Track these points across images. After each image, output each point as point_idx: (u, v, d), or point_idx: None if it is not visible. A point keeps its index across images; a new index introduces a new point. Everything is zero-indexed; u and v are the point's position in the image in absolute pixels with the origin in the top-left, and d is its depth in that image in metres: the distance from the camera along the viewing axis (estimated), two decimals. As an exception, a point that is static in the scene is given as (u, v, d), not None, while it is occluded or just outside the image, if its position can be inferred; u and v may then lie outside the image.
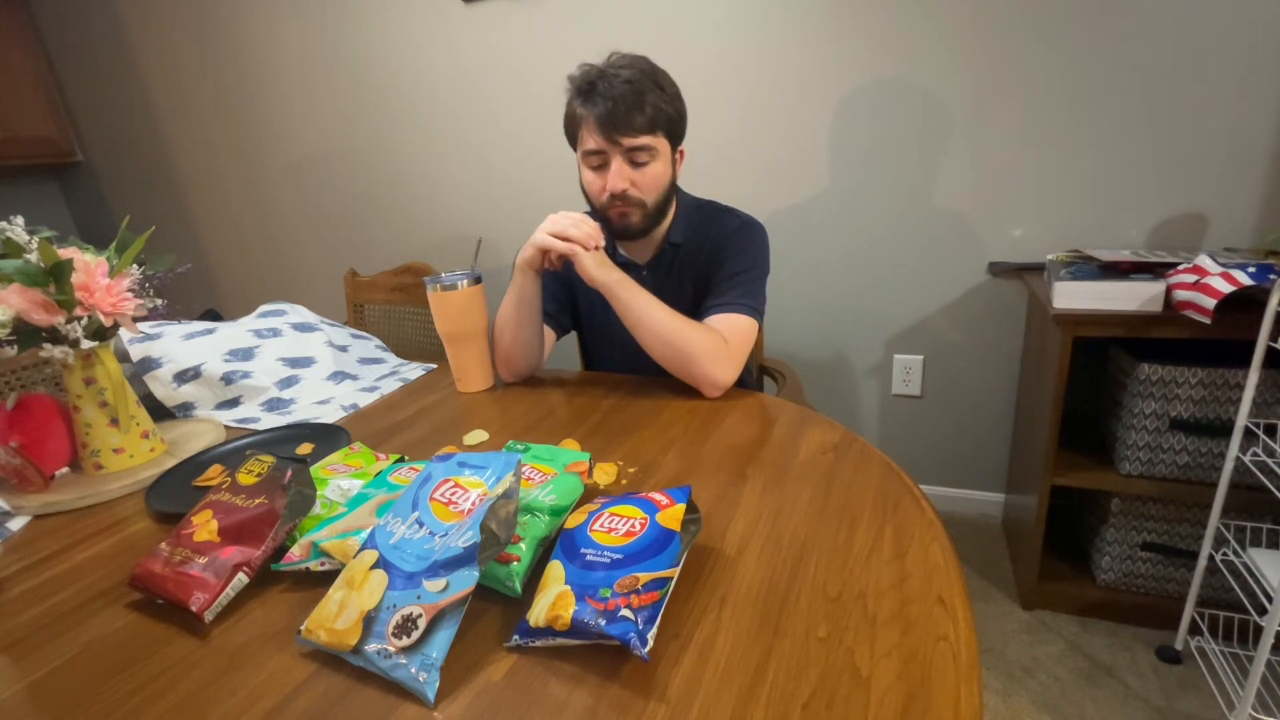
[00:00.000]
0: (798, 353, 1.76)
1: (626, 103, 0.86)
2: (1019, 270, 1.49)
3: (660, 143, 0.92)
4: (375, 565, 0.47)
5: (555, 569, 0.48)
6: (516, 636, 0.45)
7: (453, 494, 0.52)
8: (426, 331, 1.61)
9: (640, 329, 0.90)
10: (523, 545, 0.52)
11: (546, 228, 0.91)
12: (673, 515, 0.51)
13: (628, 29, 1.64)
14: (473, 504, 0.51)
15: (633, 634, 0.41)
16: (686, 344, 0.88)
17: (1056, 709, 1.15)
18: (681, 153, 0.99)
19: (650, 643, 0.41)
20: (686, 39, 1.59)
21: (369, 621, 0.44)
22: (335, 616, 0.45)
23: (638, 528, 0.50)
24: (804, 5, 1.49)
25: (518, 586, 0.50)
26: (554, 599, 0.45)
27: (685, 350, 0.88)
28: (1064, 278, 1.18)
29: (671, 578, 0.46)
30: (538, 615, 0.44)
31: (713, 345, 0.88)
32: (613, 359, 1.14)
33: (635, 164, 0.91)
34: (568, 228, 0.89)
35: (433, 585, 0.45)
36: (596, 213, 0.99)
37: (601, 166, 0.93)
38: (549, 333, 1.07)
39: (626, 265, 1.06)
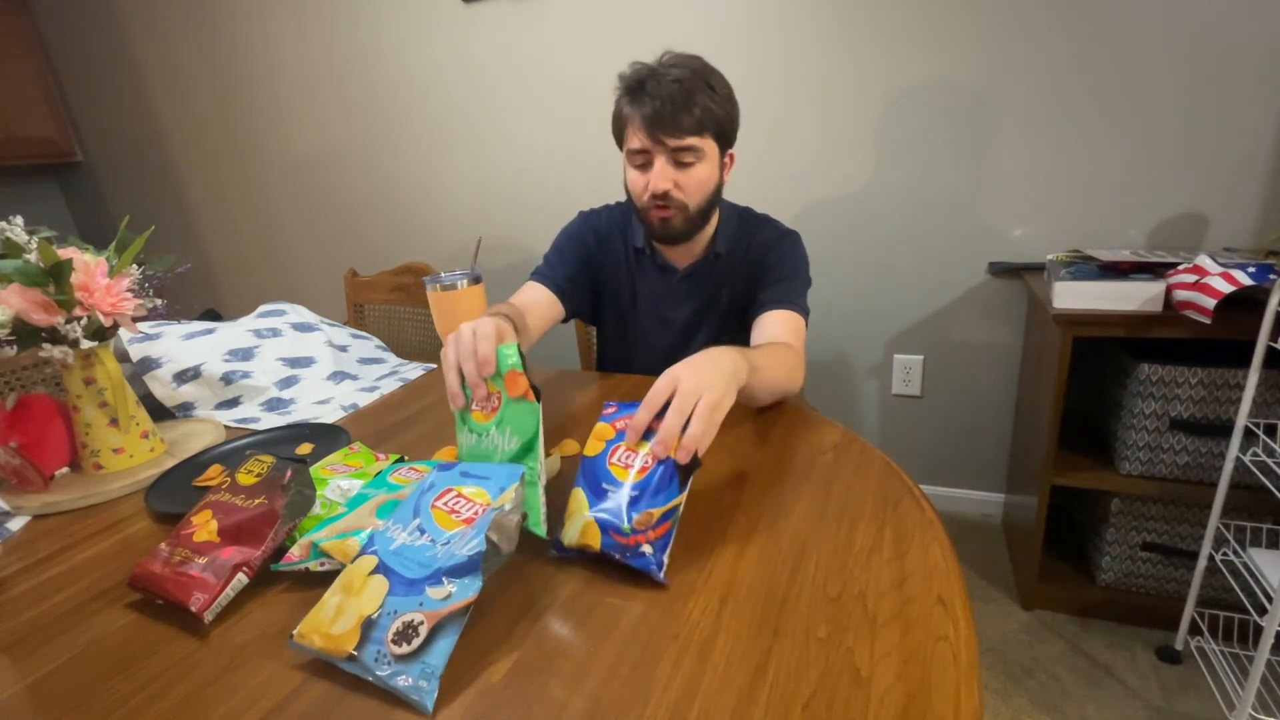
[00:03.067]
0: (798, 353, 1.76)
1: (674, 102, 0.84)
2: (1019, 270, 1.49)
3: (708, 144, 0.89)
4: (375, 571, 0.47)
5: (579, 497, 0.55)
6: (554, 551, 0.55)
7: (455, 503, 0.52)
8: (426, 331, 1.61)
9: (771, 394, 0.80)
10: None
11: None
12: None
13: (628, 29, 1.64)
14: (475, 513, 0.51)
15: (653, 565, 0.51)
16: (791, 385, 0.83)
17: (1056, 709, 1.15)
18: (731, 156, 0.96)
19: (665, 566, 0.51)
20: (689, 41, 1.58)
21: (368, 627, 0.44)
22: (332, 621, 0.45)
23: (650, 462, 0.55)
24: (803, 8, 1.49)
25: (542, 531, 0.54)
26: (582, 528, 0.52)
27: (790, 390, 0.83)
28: (1064, 278, 1.18)
29: (679, 506, 0.54)
30: (571, 537, 0.52)
31: (799, 365, 0.85)
32: (632, 359, 1.13)
33: (680, 165, 0.89)
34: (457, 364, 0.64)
35: (436, 592, 0.44)
36: (637, 213, 0.97)
37: (645, 165, 0.90)
38: (555, 303, 1.01)
39: (665, 269, 1.05)
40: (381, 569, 0.47)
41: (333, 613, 0.45)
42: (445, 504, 0.52)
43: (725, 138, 0.92)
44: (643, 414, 0.57)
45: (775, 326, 0.93)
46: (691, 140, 0.87)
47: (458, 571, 0.45)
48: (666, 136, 0.86)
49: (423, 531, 0.50)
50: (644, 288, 1.07)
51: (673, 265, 1.05)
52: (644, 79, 0.87)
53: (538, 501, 0.56)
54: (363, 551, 0.50)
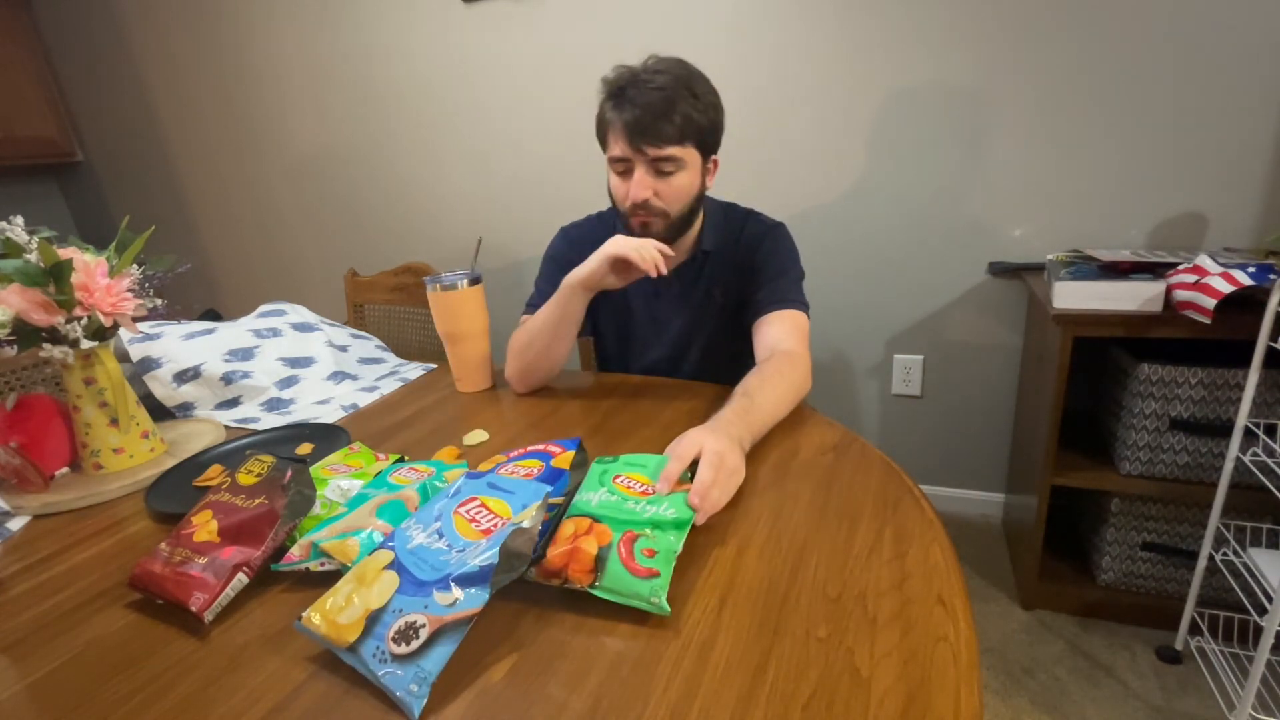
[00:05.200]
0: (798, 353, 1.76)
1: (655, 111, 0.83)
2: (1019, 270, 1.49)
3: (689, 153, 0.88)
4: (389, 566, 0.47)
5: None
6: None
7: (478, 513, 0.53)
8: (426, 331, 1.61)
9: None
10: (658, 559, 0.49)
11: (613, 250, 0.86)
12: (564, 459, 0.61)
13: (629, 29, 1.63)
14: (494, 525, 0.51)
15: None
16: (799, 397, 0.83)
17: (1056, 709, 1.15)
18: (715, 162, 0.96)
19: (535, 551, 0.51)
20: (688, 40, 1.59)
21: (372, 621, 0.44)
22: (340, 609, 0.45)
23: (535, 471, 0.60)
24: (806, 8, 1.49)
25: (664, 604, 0.47)
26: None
27: (800, 399, 0.84)
28: (1064, 278, 1.18)
29: (560, 504, 0.56)
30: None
31: (805, 374, 0.85)
32: (630, 366, 1.12)
33: (660, 173, 0.88)
34: (632, 251, 0.84)
35: (442, 598, 0.44)
36: (620, 217, 0.96)
37: (626, 173, 0.90)
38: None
39: None
40: (395, 565, 0.47)
41: (342, 601, 0.45)
42: (467, 512, 0.53)
43: (708, 145, 0.91)
44: (674, 466, 0.60)
45: (776, 329, 0.92)
46: (672, 150, 0.86)
47: (467, 581, 0.45)
48: (647, 145, 0.85)
49: (441, 535, 0.50)
50: (635, 291, 1.06)
51: None
52: (626, 85, 0.86)
53: (669, 576, 0.49)
54: (381, 545, 0.50)
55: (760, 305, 0.95)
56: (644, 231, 0.93)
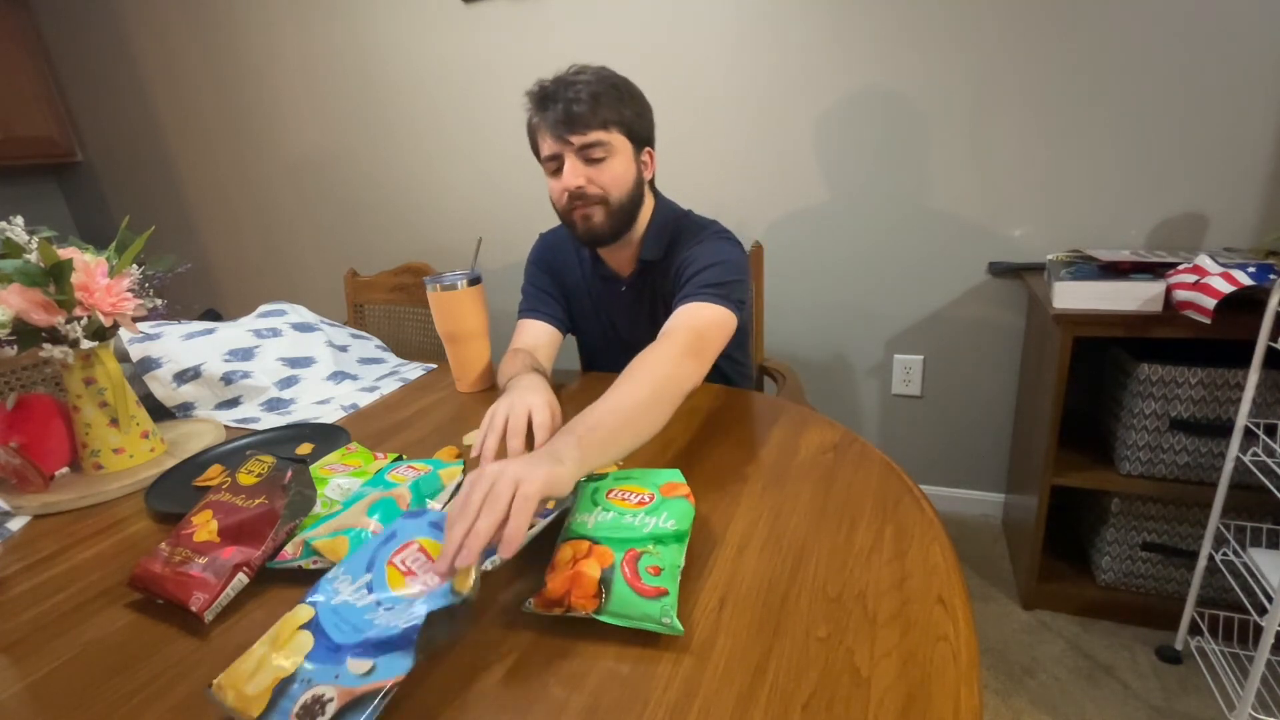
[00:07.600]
0: (798, 353, 1.76)
1: (578, 103, 0.86)
2: (1019, 270, 1.49)
3: (616, 139, 0.88)
4: (305, 625, 0.43)
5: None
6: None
7: (414, 561, 0.47)
8: (426, 331, 1.61)
9: (643, 427, 0.70)
10: (664, 576, 0.48)
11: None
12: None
13: (627, 30, 1.63)
14: (429, 584, 0.45)
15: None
16: (672, 391, 0.73)
17: (1056, 709, 1.15)
18: (650, 154, 0.96)
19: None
20: (687, 42, 1.59)
21: (278, 693, 0.39)
22: (250, 676, 0.40)
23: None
24: (805, 7, 1.49)
25: (676, 623, 0.45)
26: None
27: (673, 398, 0.73)
28: (1064, 278, 1.18)
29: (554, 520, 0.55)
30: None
31: (675, 365, 0.75)
32: (611, 359, 1.14)
33: (591, 160, 0.88)
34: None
35: (356, 665, 0.40)
36: (562, 219, 0.96)
37: (559, 170, 0.90)
38: (554, 334, 1.05)
39: (608, 279, 1.04)
40: (313, 625, 0.43)
41: (253, 666, 0.41)
42: (402, 561, 0.47)
43: (637, 135, 0.92)
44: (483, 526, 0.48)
45: (673, 320, 0.84)
46: (597, 135, 0.87)
47: (387, 646, 0.40)
48: (572, 135, 0.86)
49: (370, 590, 0.45)
50: (598, 298, 1.07)
51: (616, 274, 1.03)
52: (548, 89, 0.88)
53: (677, 592, 0.47)
54: (305, 599, 0.45)
55: (674, 304, 0.89)
56: (584, 223, 0.92)
